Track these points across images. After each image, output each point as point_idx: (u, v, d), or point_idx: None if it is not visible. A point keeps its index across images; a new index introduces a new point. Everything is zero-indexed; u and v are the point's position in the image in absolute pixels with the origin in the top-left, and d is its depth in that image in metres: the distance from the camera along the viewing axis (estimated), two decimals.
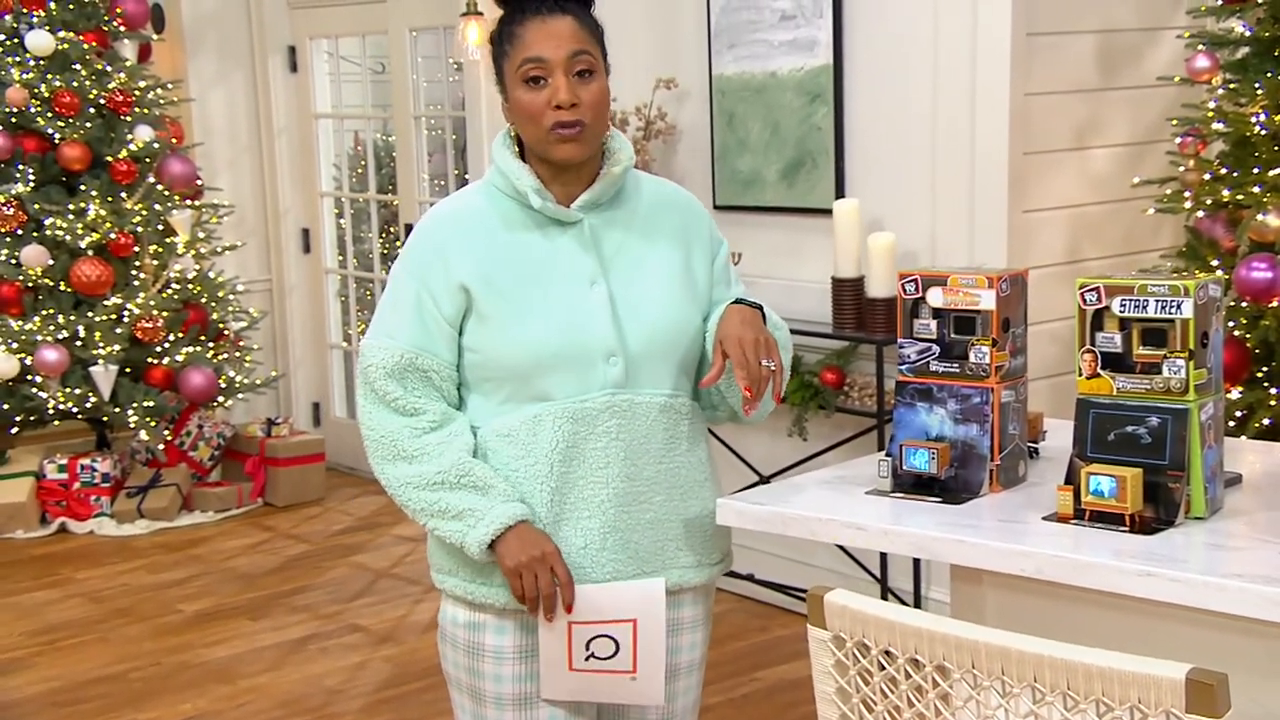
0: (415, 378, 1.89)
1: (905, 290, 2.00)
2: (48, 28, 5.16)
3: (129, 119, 5.28)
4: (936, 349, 1.98)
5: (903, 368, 2.01)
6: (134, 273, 5.26)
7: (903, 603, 3.84)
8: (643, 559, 1.91)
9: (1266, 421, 3.09)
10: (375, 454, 1.91)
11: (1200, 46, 3.29)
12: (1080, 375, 1.85)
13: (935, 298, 1.98)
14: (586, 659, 1.86)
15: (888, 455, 2.00)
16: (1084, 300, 1.84)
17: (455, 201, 1.96)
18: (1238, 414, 3.14)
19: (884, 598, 3.83)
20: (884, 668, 1.50)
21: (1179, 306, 1.77)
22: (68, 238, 5.07)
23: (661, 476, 1.92)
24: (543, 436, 1.87)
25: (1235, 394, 3.12)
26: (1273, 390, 3.13)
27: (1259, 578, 1.54)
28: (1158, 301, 1.79)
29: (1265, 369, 3.17)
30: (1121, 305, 1.82)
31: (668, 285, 1.92)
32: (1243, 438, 3.04)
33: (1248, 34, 3.22)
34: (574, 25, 1.85)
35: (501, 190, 1.92)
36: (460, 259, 1.88)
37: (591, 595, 1.85)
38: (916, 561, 3.77)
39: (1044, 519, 1.81)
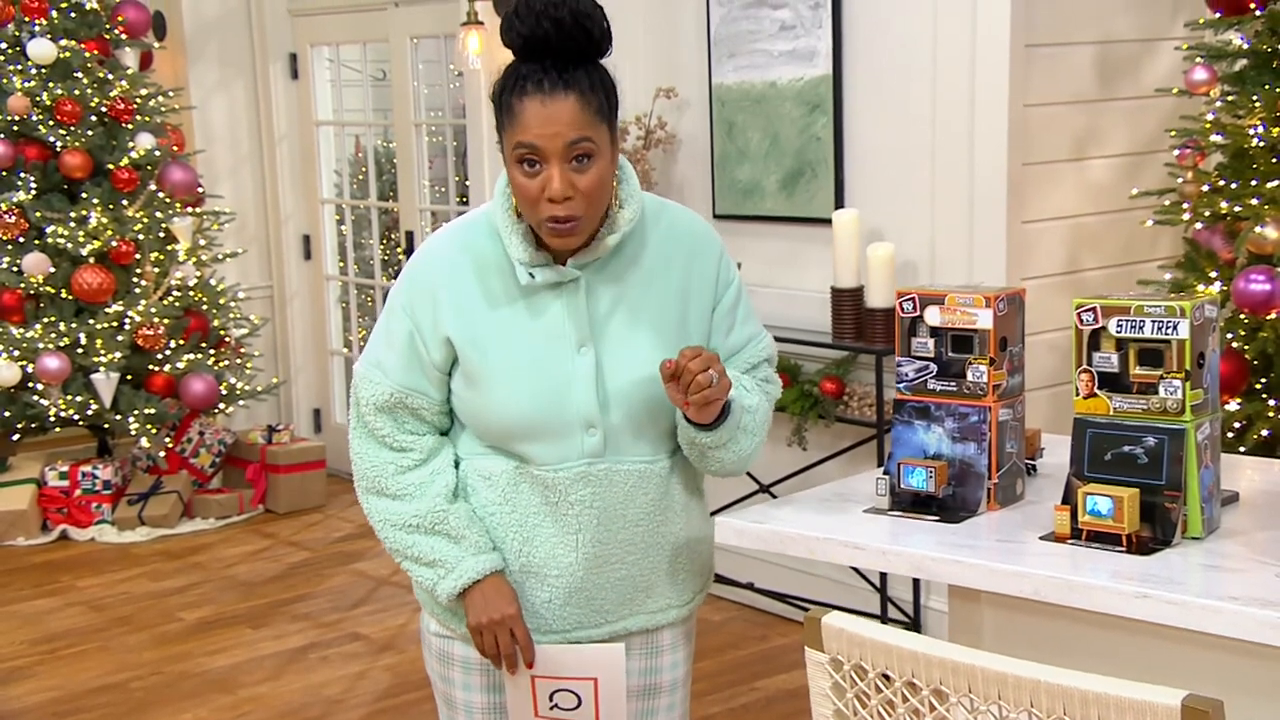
0: (406, 413, 1.89)
1: (903, 309, 2.01)
2: (49, 36, 5.17)
3: (130, 127, 5.29)
4: (934, 367, 1.99)
5: (900, 386, 2.02)
6: (135, 280, 5.27)
7: (903, 612, 3.85)
8: (607, 611, 1.92)
9: (1265, 433, 3.10)
10: (359, 483, 1.93)
11: (1198, 59, 3.29)
12: (1077, 395, 1.86)
13: (933, 316, 1.98)
14: (551, 708, 1.90)
15: (886, 473, 2.01)
16: (1081, 320, 1.85)
17: (452, 238, 1.89)
18: (1236, 425, 3.15)
19: (883, 608, 3.83)
20: (881, 690, 1.51)
21: (1175, 327, 1.78)
22: (69, 245, 5.08)
23: (636, 539, 1.90)
24: (522, 494, 1.87)
25: (1234, 405, 3.13)
26: (1271, 402, 3.13)
27: (1255, 600, 1.55)
28: (1154, 322, 1.80)
29: (1264, 380, 3.18)
30: (1118, 325, 1.82)
31: (659, 339, 1.85)
32: (1241, 449, 3.06)
33: (1245, 47, 3.23)
34: (575, 108, 1.73)
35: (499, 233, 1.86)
36: (450, 310, 1.84)
37: (553, 654, 1.88)
38: None
39: (1041, 538, 1.82)
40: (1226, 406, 3.12)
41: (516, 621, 1.86)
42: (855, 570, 3.91)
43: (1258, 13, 3.20)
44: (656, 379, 1.82)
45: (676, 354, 1.79)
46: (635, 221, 1.85)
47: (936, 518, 1.93)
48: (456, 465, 1.92)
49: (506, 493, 1.87)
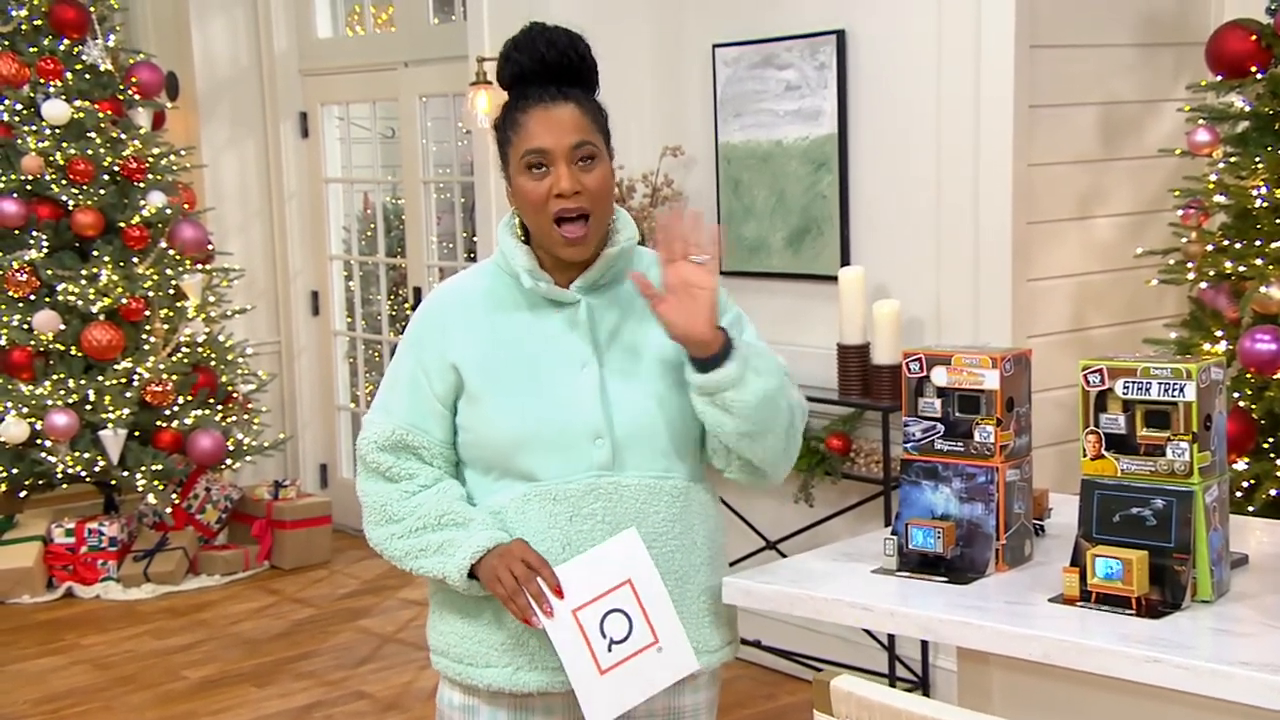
0: (406, 452, 1.92)
1: (910, 369, 2.02)
2: (64, 97, 5.23)
3: (142, 185, 5.34)
4: (941, 427, 1.99)
5: (907, 446, 2.02)
6: (144, 337, 5.29)
7: (911, 671, 3.82)
8: None
9: (1274, 492, 3.09)
10: (369, 520, 1.95)
11: (1200, 120, 3.32)
12: (1085, 456, 1.86)
13: (939, 377, 1.99)
14: (610, 649, 1.82)
15: (893, 533, 2.00)
16: (1087, 382, 1.86)
17: (458, 281, 1.99)
18: (1244, 485, 3.14)
19: (891, 667, 3.81)
20: None
21: (1181, 390, 1.79)
22: (79, 303, 5.11)
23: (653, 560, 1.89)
24: (531, 516, 1.87)
25: (1241, 465, 3.12)
26: (1279, 461, 3.12)
27: (1266, 666, 1.54)
28: (1160, 384, 1.80)
29: (1271, 439, 3.17)
30: (1125, 387, 1.83)
31: (663, 367, 1.91)
32: (1250, 509, 3.05)
33: (1247, 109, 3.26)
34: (576, 113, 1.85)
35: (504, 270, 1.94)
36: (455, 339, 1.90)
37: (574, 572, 1.83)
38: None
39: (1050, 600, 1.82)
40: (1234, 466, 3.11)
41: (525, 549, 1.83)
42: (864, 629, 3.89)
43: (1259, 76, 3.23)
44: (663, 394, 1.88)
45: (675, 378, 1.88)
46: (634, 239, 1.93)
47: (945, 579, 1.93)
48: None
49: (516, 523, 1.87)
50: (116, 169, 5.30)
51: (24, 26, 5.24)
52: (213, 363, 5.47)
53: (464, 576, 1.84)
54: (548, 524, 1.86)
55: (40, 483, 5.24)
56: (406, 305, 6.06)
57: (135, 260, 5.29)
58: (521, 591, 1.80)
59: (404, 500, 1.90)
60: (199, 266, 5.47)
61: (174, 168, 5.50)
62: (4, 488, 5.16)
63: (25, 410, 5.04)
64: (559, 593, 1.81)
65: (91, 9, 5.31)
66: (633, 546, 1.83)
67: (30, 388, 5.07)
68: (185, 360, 5.34)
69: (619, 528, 1.86)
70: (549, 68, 1.85)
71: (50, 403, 5.05)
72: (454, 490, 1.91)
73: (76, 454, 5.10)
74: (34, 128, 5.19)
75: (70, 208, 5.20)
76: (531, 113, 1.85)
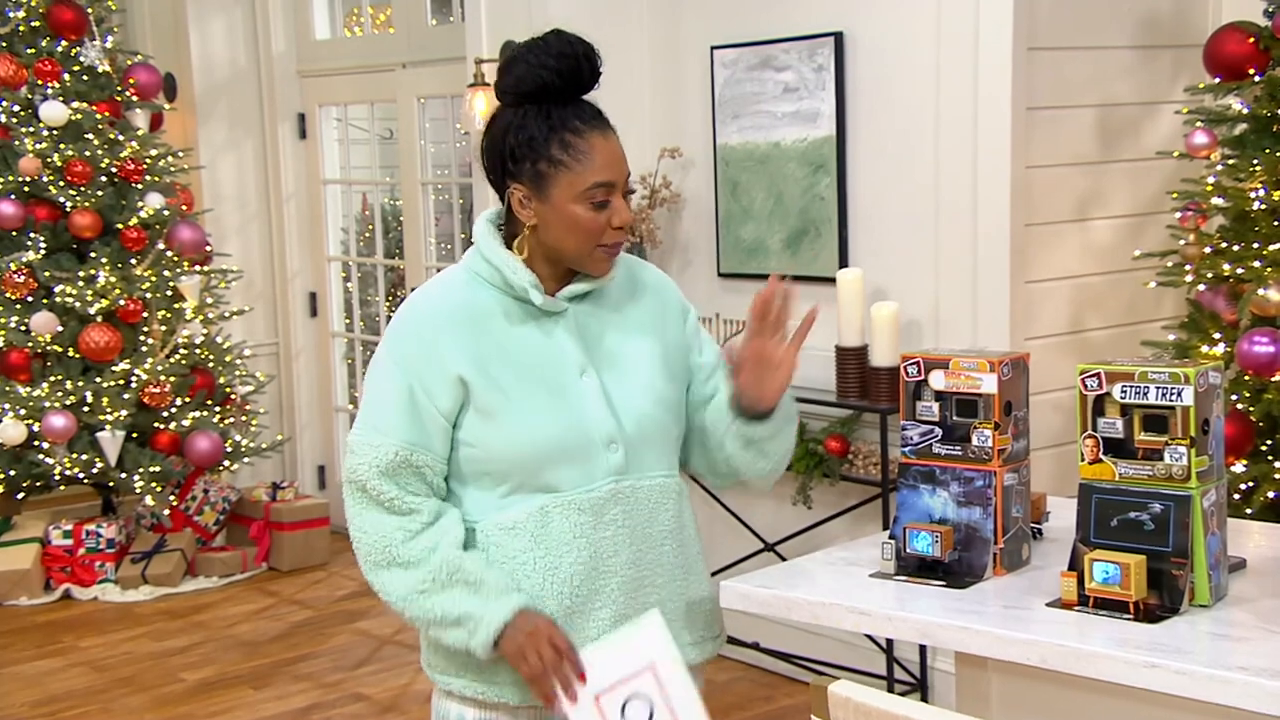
0: (409, 474, 1.85)
1: (908, 372, 2.02)
2: (61, 99, 5.23)
3: (140, 187, 5.34)
4: (939, 431, 1.99)
5: (905, 450, 2.02)
6: (142, 338, 5.29)
7: (909, 674, 3.82)
8: None
9: (1272, 495, 3.09)
10: (367, 559, 1.87)
11: (1199, 123, 3.32)
12: (1083, 460, 1.86)
13: (937, 380, 1.99)
14: None
15: (891, 537, 2.00)
16: (1085, 386, 1.86)
17: (438, 292, 1.91)
18: (1243, 487, 3.14)
19: (889, 669, 3.81)
20: None
21: (1179, 394, 1.79)
22: (77, 304, 5.11)
23: (664, 559, 1.92)
24: (554, 529, 1.85)
25: (1240, 468, 3.12)
26: (1277, 464, 3.12)
27: (1265, 671, 1.54)
28: (1158, 389, 1.80)
29: (1269, 442, 3.17)
30: (1123, 391, 1.83)
31: (650, 368, 1.93)
32: (1248, 511, 3.05)
33: (1245, 111, 3.26)
34: (619, 142, 1.86)
35: (486, 280, 1.89)
36: (454, 352, 1.84)
37: (599, 657, 1.82)
38: None
39: (1048, 605, 1.82)
40: (1232, 468, 3.11)
41: (552, 629, 1.81)
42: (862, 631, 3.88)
43: (1257, 78, 3.23)
44: (657, 394, 1.92)
45: (663, 377, 1.91)
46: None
47: (942, 583, 1.93)
48: (471, 532, 1.88)
49: (536, 535, 1.85)
50: (114, 170, 5.29)
51: (21, 28, 5.23)
52: (211, 364, 5.46)
53: (489, 652, 1.82)
54: (573, 534, 1.85)
55: (38, 484, 5.23)
56: None
57: (133, 262, 5.29)
58: (548, 675, 1.79)
59: (406, 542, 1.83)
60: (197, 268, 5.46)
61: (172, 169, 5.49)
62: (2, 489, 5.15)
63: (23, 412, 5.03)
64: (583, 678, 1.81)
65: (89, 10, 5.31)
66: (656, 630, 1.83)
67: (28, 389, 5.07)
68: (183, 362, 5.34)
69: (636, 530, 1.88)
70: (567, 79, 1.82)
71: (48, 404, 5.04)
72: (455, 532, 1.85)
73: (74, 455, 5.09)
74: (32, 129, 5.18)
75: (68, 209, 5.20)
76: (592, 140, 1.82)
